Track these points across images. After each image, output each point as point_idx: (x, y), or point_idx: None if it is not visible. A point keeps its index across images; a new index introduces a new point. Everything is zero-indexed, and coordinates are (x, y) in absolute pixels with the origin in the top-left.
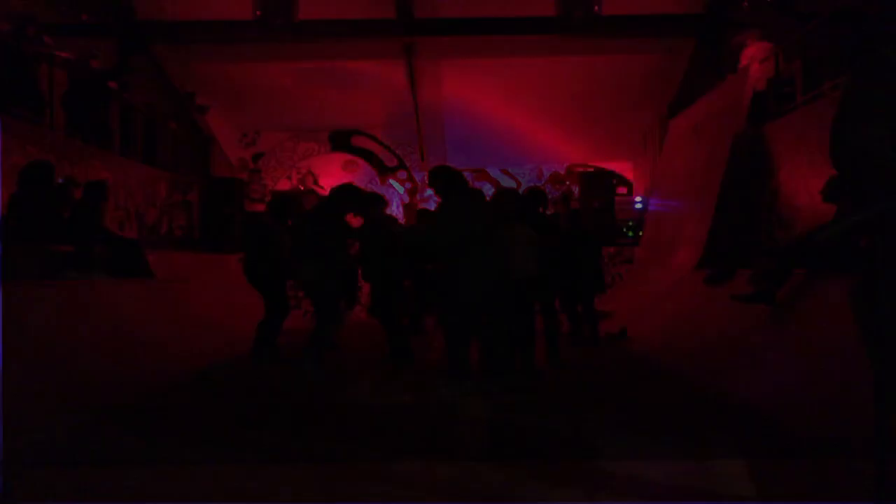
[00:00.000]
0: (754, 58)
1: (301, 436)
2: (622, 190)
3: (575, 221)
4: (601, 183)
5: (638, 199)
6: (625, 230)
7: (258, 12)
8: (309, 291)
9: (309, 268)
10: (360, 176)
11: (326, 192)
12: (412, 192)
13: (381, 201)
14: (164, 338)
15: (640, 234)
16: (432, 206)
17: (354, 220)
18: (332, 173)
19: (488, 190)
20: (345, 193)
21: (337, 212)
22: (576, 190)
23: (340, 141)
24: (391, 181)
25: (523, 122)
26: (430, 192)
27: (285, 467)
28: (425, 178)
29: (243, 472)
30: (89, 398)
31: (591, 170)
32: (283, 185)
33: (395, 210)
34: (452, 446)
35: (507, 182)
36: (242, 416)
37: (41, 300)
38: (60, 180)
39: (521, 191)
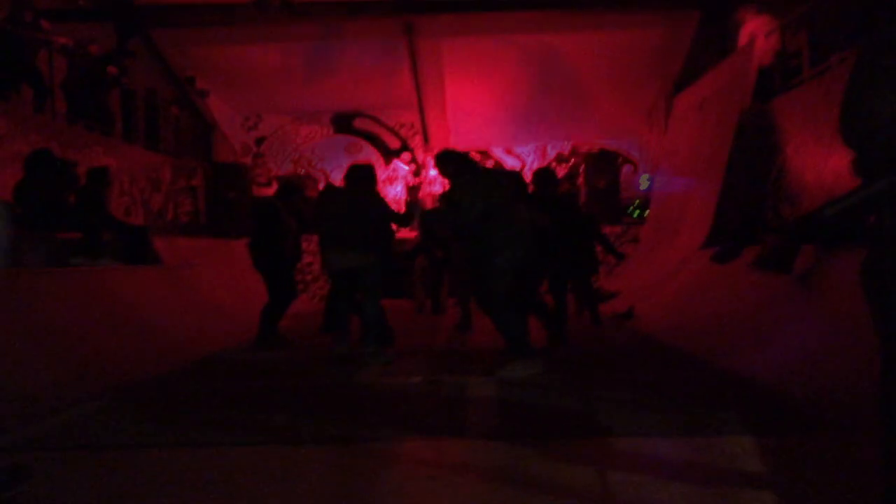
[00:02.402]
0: (755, 33)
1: (311, 418)
2: (627, 168)
3: (567, 202)
4: (606, 162)
5: (644, 177)
6: (630, 209)
7: None
8: (356, 278)
9: (358, 253)
10: (363, 159)
11: (318, 176)
12: (416, 174)
13: None
14: (173, 323)
15: (646, 212)
16: (438, 187)
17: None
18: (335, 156)
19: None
20: (372, 172)
21: (375, 191)
22: (581, 169)
23: (343, 123)
24: (397, 163)
25: (526, 100)
26: (434, 172)
27: (296, 449)
28: (426, 159)
29: (255, 454)
30: (99, 384)
31: (596, 149)
32: (287, 169)
33: (400, 192)
34: (462, 424)
35: (511, 162)
36: (252, 398)
37: (50, 287)
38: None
39: (525, 170)
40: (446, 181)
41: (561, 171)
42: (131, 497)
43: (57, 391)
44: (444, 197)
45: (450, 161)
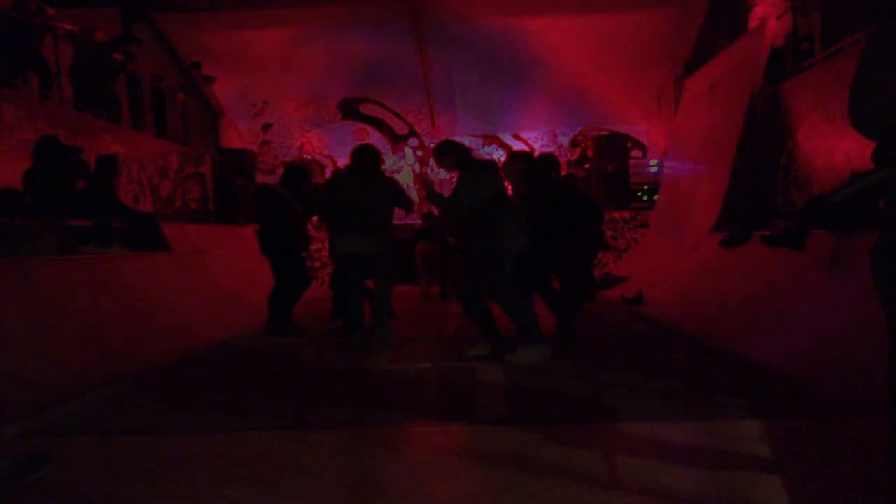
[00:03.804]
0: (766, 15)
1: (321, 403)
2: (637, 153)
3: (567, 186)
4: (615, 146)
5: (653, 162)
6: (640, 194)
7: None
8: (367, 264)
9: (370, 239)
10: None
11: (325, 162)
12: (423, 160)
13: None
14: (184, 309)
15: (655, 197)
16: (444, 173)
17: None
18: (342, 142)
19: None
20: (377, 153)
21: (383, 173)
22: (590, 153)
23: (349, 109)
24: (405, 148)
25: (534, 84)
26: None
27: (306, 434)
28: (433, 144)
29: (267, 439)
30: (111, 370)
31: (605, 133)
32: (294, 156)
33: (408, 178)
34: (472, 410)
35: (519, 148)
36: (263, 384)
37: (61, 274)
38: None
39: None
40: (450, 172)
41: (572, 156)
42: (145, 482)
43: (69, 378)
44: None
45: (449, 152)
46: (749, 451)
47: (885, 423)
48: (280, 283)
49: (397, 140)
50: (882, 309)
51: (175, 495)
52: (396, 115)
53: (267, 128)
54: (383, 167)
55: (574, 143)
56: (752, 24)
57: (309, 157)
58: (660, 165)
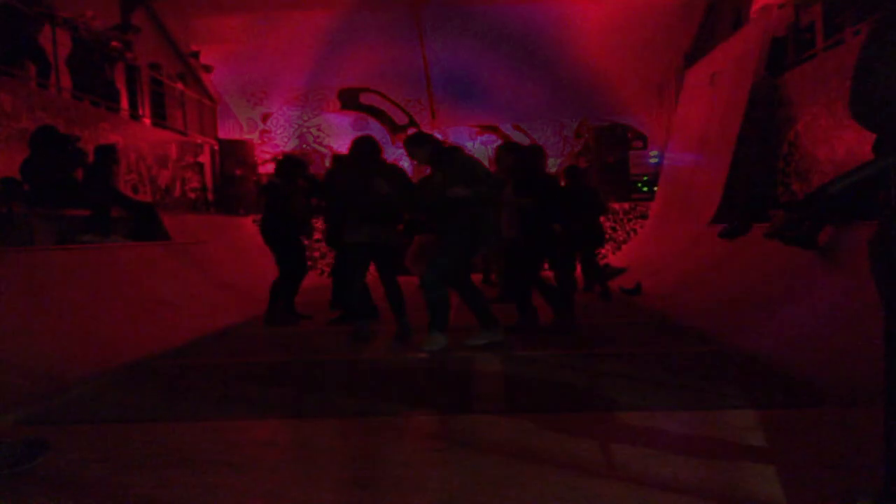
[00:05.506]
0: (767, 7)
1: (319, 392)
2: (637, 144)
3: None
4: (616, 137)
5: (653, 152)
6: (640, 185)
7: None
8: (371, 255)
9: (380, 229)
10: (370, 134)
11: (324, 152)
12: None
13: None
14: (183, 299)
15: (655, 188)
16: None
17: None
18: (341, 132)
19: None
20: (377, 144)
21: (385, 163)
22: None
23: (349, 99)
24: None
25: (536, 74)
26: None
27: (305, 422)
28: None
29: (266, 428)
30: (111, 359)
31: (606, 123)
32: (293, 146)
33: (408, 168)
34: (468, 399)
35: (518, 138)
36: (262, 373)
37: (61, 264)
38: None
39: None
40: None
41: (576, 148)
42: (145, 470)
43: (68, 366)
44: (427, 179)
45: (421, 144)
46: (743, 441)
47: (878, 412)
48: (283, 272)
49: (397, 130)
50: (878, 299)
51: (173, 483)
52: (396, 104)
53: (266, 117)
54: (383, 156)
55: (577, 135)
56: (754, 14)
57: (308, 146)
58: (660, 156)
